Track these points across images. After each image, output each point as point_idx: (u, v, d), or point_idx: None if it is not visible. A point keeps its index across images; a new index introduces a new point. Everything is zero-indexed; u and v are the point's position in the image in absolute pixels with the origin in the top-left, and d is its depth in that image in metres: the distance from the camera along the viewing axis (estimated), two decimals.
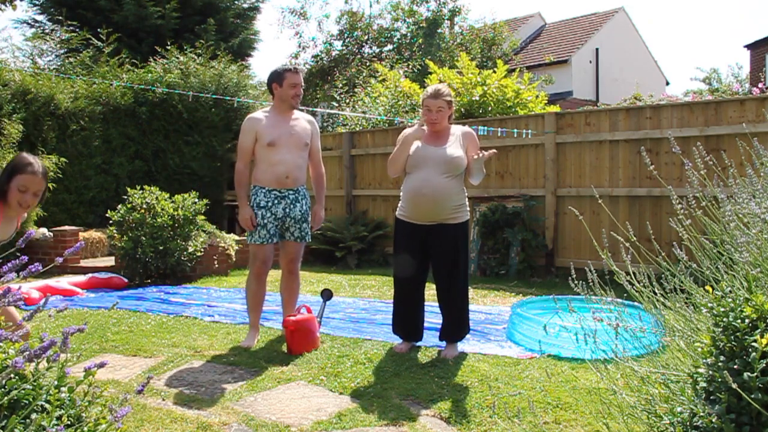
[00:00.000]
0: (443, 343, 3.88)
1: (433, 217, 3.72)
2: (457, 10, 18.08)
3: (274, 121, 4.06)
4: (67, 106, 8.87)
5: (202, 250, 6.88)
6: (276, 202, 4.06)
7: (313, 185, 4.36)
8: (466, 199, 3.84)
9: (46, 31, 13.24)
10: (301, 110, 4.32)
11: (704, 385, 1.74)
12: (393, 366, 3.57)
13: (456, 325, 3.83)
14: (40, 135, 8.54)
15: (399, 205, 3.89)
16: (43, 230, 7.73)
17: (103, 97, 9.45)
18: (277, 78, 4.08)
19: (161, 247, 6.50)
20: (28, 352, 1.59)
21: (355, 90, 12.97)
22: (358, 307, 5.35)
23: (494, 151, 3.73)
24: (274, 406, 3.02)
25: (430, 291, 3.97)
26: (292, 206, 4.09)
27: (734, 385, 1.56)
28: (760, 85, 9.16)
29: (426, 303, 3.99)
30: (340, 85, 14.85)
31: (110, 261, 7.48)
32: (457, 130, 3.81)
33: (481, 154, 3.59)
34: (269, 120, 4.07)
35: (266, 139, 4.01)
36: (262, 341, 4.20)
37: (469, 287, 3.97)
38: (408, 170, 3.81)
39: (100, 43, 10.75)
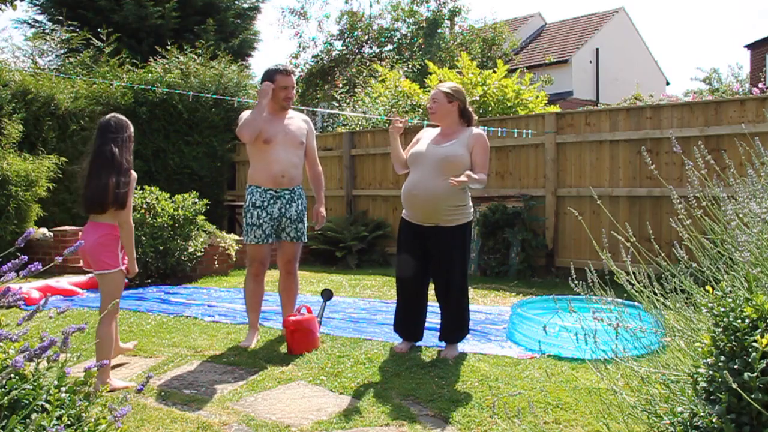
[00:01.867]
0: (443, 343, 3.88)
1: (428, 218, 3.72)
2: (457, 10, 18.07)
3: (269, 120, 4.05)
4: (67, 106, 8.87)
5: (203, 250, 6.88)
6: (272, 201, 4.05)
7: (312, 184, 4.35)
8: (468, 201, 3.79)
9: (47, 31, 13.25)
10: (301, 110, 4.32)
11: (704, 385, 1.74)
12: (393, 366, 3.57)
13: (454, 327, 3.82)
14: (40, 135, 8.54)
15: None
16: (44, 230, 7.73)
17: (104, 97, 9.44)
18: (268, 79, 4.06)
19: (161, 247, 6.50)
20: (28, 352, 1.59)
21: (355, 90, 12.97)
22: (358, 307, 5.35)
23: (465, 178, 3.45)
24: (274, 406, 3.02)
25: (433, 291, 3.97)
26: (288, 206, 4.08)
27: (734, 385, 1.56)
28: (760, 85, 9.15)
29: (429, 303, 3.99)
30: (341, 85, 14.86)
31: None
32: (468, 131, 3.75)
33: (455, 180, 3.43)
34: (266, 118, 4.05)
35: (263, 137, 4.00)
36: (262, 341, 4.20)
37: (470, 287, 3.96)
38: (409, 168, 3.83)
39: (100, 43, 10.75)
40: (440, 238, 3.72)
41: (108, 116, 3.66)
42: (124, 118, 3.65)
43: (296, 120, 4.17)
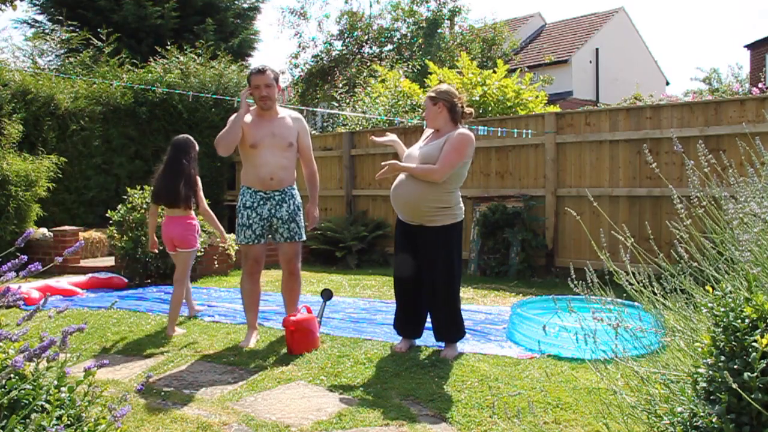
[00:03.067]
0: (443, 343, 3.88)
1: (412, 217, 3.75)
2: (457, 10, 18.07)
3: (255, 123, 4.04)
4: (67, 106, 8.87)
5: (202, 250, 6.88)
6: (261, 202, 4.06)
7: (306, 183, 4.29)
8: (458, 202, 3.79)
9: (46, 31, 13.25)
10: (301, 110, 4.32)
11: (704, 385, 1.74)
12: (393, 366, 3.57)
13: (445, 327, 3.82)
14: (40, 135, 8.54)
15: None
16: (43, 230, 7.73)
17: (103, 97, 9.45)
18: (247, 82, 4.09)
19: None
20: (28, 352, 1.58)
21: (355, 90, 12.96)
22: (358, 307, 5.35)
23: (386, 167, 3.69)
24: (274, 406, 3.02)
25: None
26: (278, 207, 4.08)
27: (734, 385, 1.56)
28: (760, 85, 9.16)
29: None
30: (340, 85, 14.86)
31: (110, 261, 7.48)
32: (455, 130, 3.75)
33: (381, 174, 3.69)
34: (252, 122, 4.04)
35: (249, 141, 4.00)
36: (262, 341, 4.20)
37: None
38: None
39: (100, 43, 10.76)
40: (425, 237, 3.74)
41: (181, 136, 4.74)
42: (192, 138, 4.72)
43: (286, 120, 4.13)
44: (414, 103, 9.78)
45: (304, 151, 4.23)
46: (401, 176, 3.78)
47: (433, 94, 3.79)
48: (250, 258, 4.14)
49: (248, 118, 4.07)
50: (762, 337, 1.59)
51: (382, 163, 3.70)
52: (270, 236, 4.16)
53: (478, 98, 8.96)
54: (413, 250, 3.81)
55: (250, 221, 4.05)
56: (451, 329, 3.82)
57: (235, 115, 4.03)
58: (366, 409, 2.93)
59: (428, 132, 3.94)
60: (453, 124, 3.79)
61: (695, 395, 1.79)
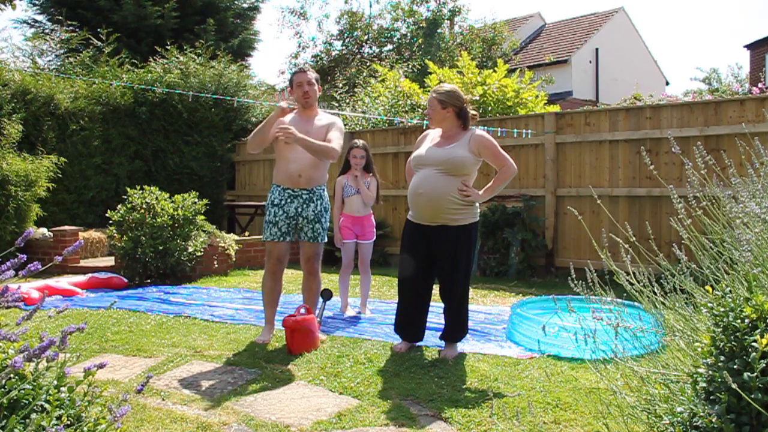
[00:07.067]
0: (443, 343, 3.88)
1: (433, 217, 3.72)
2: (457, 10, 18.08)
3: (296, 120, 4.09)
4: (67, 106, 8.87)
5: (202, 250, 6.88)
6: (289, 201, 4.10)
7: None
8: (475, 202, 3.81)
9: (46, 31, 13.25)
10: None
11: (704, 385, 1.74)
12: (393, 366, 3.57)
13: (455, 327, 3.83)
14: (40, 135, 8.54)
15: None
16: (43, 230, 7.73)
17: (103, 97, 9.45)
18: (290, 83, 4.21)
19: (161, 247, 6.50)
20: (27, 352, 1.58)
21: (355, 90, 12.96)
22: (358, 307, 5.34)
23: (473, 197, 3.74)
24: (274, 406, 3.02)
25: (435, 291, 3.97)
26: (305, 206, 4.11)
27: (734, 385, 1.56)
28: (759, 85, 9.15)
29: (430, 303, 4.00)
30: (340, 85, 14.86)
31: (110, 261, 7.48)
32: (469, 133, 3.77)
33: (463, 192, 3.70)
34: (293, 119, 4.10)
35: None
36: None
37: (470, 287, 3.97)
38: (414, 170, 3.85)
39: (99, 43, 10.76)
40: (446, 238, 3.72)
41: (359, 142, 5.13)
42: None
43: (323, 121, 4.18)
44: (414, 103, 9.77)
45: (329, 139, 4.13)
46: (421, 176, 3.74)
47: (442, 98, 3.75)
48: (274, 256, 4.16)
49: (288, 117, 4.12)
50: (762, 337, 1.59)
51: (464, 198, 3.69)
52: (295, 234, 4.20)
53: (478, 98, 8.96)
54: (427, 253, 3.80)
55: (277, 218, 4.10)
56: (458, 329, 3.83)
57: (271, 115, 4.08)
58: (366, 409, 2.93)
59: (434, 133, 3.91)
60: (461, 128, 3.79)
61: (695, 395, 1.79)
